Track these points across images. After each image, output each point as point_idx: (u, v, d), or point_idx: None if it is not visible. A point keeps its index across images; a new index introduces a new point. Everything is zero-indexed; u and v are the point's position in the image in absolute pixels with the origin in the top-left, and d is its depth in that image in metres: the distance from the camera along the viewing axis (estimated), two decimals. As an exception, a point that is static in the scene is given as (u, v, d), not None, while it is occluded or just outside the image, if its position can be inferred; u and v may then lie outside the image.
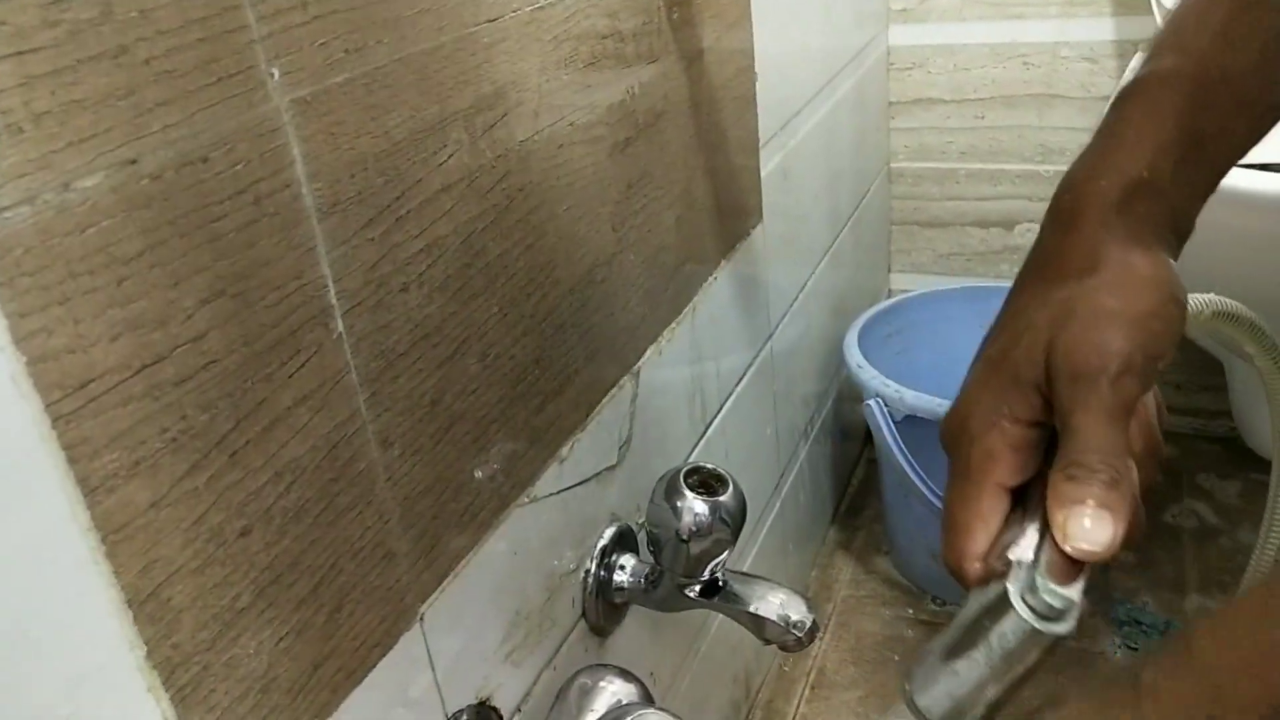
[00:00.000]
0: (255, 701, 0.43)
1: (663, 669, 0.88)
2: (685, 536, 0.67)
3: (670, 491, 0.68)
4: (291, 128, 0.42)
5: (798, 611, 0.69)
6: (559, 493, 0.67)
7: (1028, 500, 0.43)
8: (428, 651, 0.55)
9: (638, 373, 0.77)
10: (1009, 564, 0.41)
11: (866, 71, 1.39)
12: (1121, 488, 0.39)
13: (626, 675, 0.63)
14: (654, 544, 0.71)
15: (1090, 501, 0.39)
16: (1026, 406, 0.43)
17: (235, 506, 0.41)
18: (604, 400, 0.72)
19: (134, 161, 0.35)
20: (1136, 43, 1.38)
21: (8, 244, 0.31)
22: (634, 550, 0.76)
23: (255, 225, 0.40)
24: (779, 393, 1.16)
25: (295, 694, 0.46)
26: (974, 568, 0.43)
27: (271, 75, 0.40)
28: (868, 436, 1.61)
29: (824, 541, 1.47)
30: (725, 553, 0.70)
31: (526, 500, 0.63)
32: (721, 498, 0.68)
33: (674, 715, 0.53)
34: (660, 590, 0.72)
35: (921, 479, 1.16)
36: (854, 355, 1.25)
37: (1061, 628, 0.40)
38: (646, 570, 0.73)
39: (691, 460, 0.89)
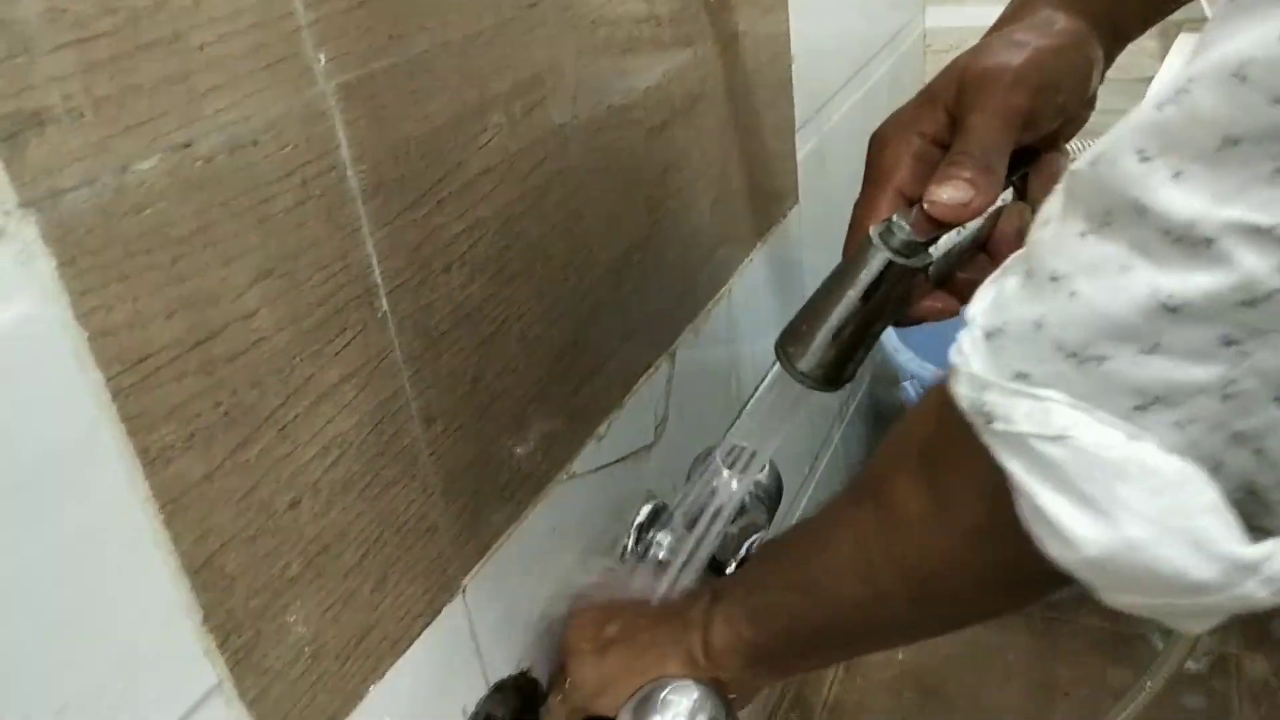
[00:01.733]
0: (305, 667, 0.45)
1: (699, 647, 0.89)
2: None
3: (706, 469, 0.69)
4: (337, 111, 0.43)
5: (832, 589, 0.69)
6: (597, 470, 0.68)
7: None
8: (470, 622, 0.56)
9: (674, 353, 0.77)
10: None
11: (903, 54, 1.38)
12: (992, 176, 0.47)
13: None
14: (690, 522, 0.72)
15: (963, 176, 0.46)
16: (935, 123, 0.50)
17: (285, 479, 0.43)
18: (640, 380, 0.73)
19: (188, 145, 0.36)
20: (1180, 23, 1.36)
21: (70, 224, 0.33)
22: (670, 528, 0.77)
23: (303, 207, 0.42)
24: (815, 375, 1.17)
25: (343, 660, 0.47)
26: None
27: (319, 60, 0.41)
28: (904, 420, 1.60)
29: (860, 524, 1.47)
30: (761, 531, 0.71)
31: (565, 477, 0.64)
32: (757, 477, 0.69)
33: (711, 686, 0.54)
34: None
35: (958, 461, 1.16)
36: (890, 337, 1.26)
37: (906, 260, 0.47)
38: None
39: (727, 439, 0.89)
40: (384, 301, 0.47)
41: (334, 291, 0.44)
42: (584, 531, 0.68)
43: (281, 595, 0.43)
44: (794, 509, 1.13)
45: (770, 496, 0.69)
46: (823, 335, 0.50)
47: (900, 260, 0.47)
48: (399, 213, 0.47)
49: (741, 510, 0.68)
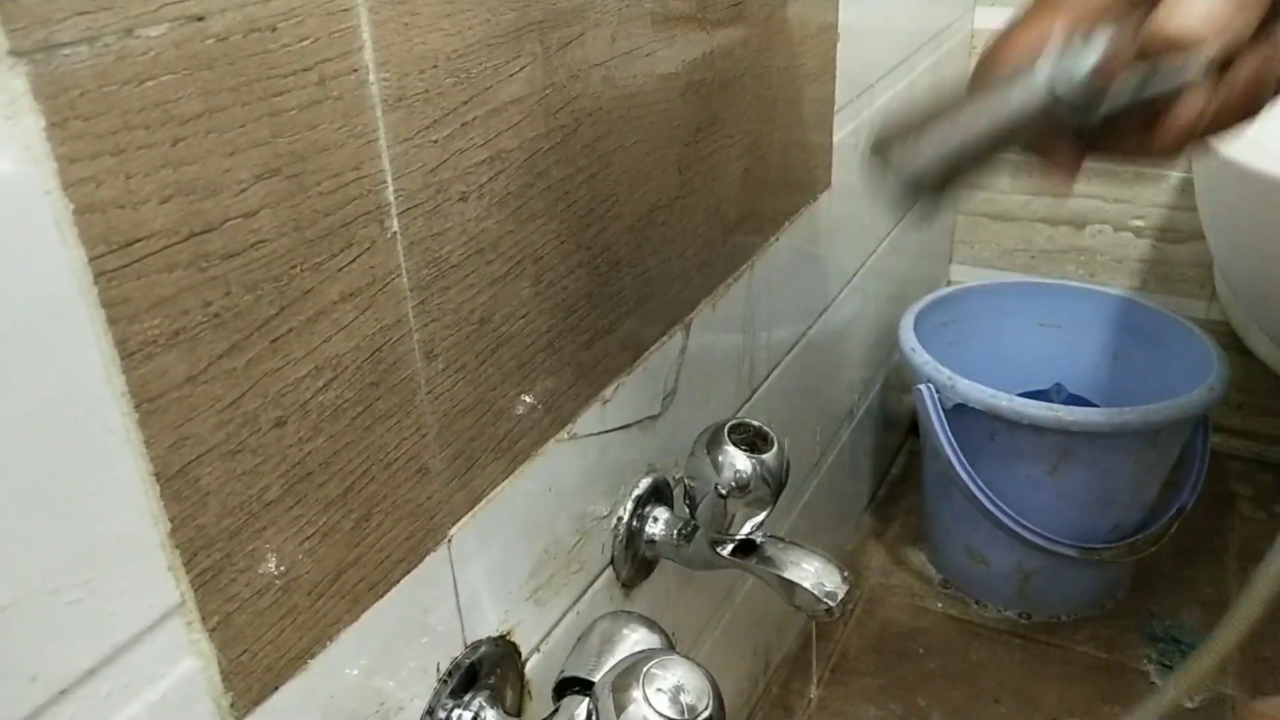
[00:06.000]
0: (274, 599, 0.42)
1: (684, 631, 0.87)
2: (724, 491, 0.66)
3: (713, 444, 0.66)
4: (364, 10, 0.40)
5: (832, 581, 0.67)
6: (599, 434, 0.65)
7: None
8: (453, 576, 0.54)
9: (689, 324, 0.75)
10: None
11: (947, 52, 1.35)
12: None
13: (651, 625, 0.61)
14: (690, 498, 0.70)
15: None
16: None
17: (272, 395, 0.40)
18: (653, 347, 0.70)
19: (200, 19, 0.34)
20: None
21: (64, 83, 0.30)
22: (668, 504, 0.75)
23: (318, 106, 0.39)
24: (827, 371, 1.14)
25: (316, 597, 0.44)
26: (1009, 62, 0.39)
27: (349, -51, 0.39)
28: (910, 429, 1.58)
29: (856, 528, 1.45)
30: (763, 513, 0.68)
31: (566, 437, 0.62)
32: (765, 456, 0.66)
33: (697, 663, 0.51)
34: (692, 546, 0.71)
35: (965, 469, 1.13)
36: (908, 338, 1.23)
37: (1078, 119, 0.37)
38: (680, 524, 0.72)
39: (734, 423, 0.87)
40: (395, 221, 0.44)
41: (343, 203, 0.41)
42: (580, 495, 0.65)
43: (257, 518, 0.41)
44: (793, 505, 1.10)
45: (776, 478, 0.66)
46: (936, 149, 0.40)
47: (1067, 110, 0.37)
48: (420, 130, 0.44)
49: (746, 488, 0.65)
